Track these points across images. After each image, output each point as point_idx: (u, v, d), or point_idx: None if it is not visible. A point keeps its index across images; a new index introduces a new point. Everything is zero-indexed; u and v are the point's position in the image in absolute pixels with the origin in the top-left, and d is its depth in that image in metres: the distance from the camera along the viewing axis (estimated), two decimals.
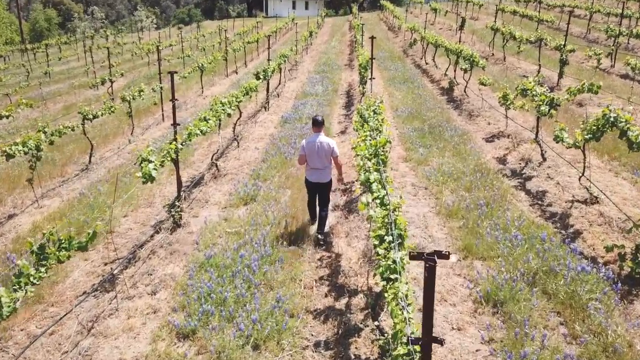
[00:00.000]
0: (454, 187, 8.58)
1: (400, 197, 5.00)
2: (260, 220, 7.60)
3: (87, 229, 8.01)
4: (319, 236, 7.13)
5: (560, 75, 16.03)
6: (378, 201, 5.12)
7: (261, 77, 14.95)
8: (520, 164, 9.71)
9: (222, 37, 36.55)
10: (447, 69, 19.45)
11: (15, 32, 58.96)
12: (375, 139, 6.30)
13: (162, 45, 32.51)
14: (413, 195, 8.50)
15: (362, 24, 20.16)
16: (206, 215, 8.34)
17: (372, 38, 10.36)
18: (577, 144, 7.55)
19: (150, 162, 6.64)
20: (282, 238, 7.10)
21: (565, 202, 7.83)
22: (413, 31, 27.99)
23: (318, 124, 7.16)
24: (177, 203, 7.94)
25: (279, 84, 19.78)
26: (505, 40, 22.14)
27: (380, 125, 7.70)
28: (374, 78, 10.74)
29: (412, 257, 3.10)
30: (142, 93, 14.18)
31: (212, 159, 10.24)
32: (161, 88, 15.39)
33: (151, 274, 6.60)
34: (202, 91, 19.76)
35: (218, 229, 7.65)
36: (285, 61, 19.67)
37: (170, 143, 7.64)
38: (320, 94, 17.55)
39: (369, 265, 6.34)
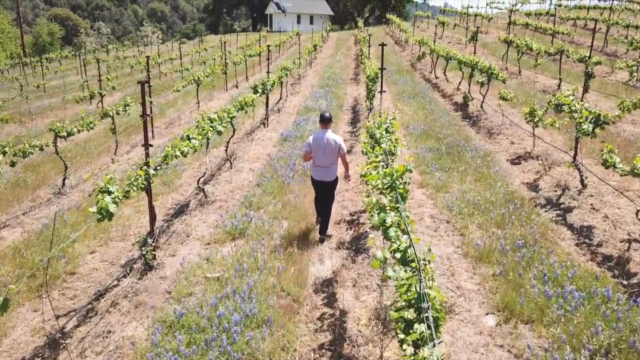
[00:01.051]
0: (481, 220, 7.18)
1: (429, 251, 3.62)
2: (247, 265, 6.22)
3: (42, 270, 6.69)
4: (321, 236, 7.18)
5: (586, 89, 14.65)
6: (398, 255, 3.76)
7: (259, 91, 13.69)
8: (555, 191, 8.31)
9: (224, 50, 35.59)
10: (460, 82, 18.18)
11: (20, 46, 58.51)
12: (391, 165, 4.95)
13: (161, 58, 31.49)
14: (433, 231, 7.11)
15: (369, 35, 18.97)
16: (185, 254, 6.98)
17: (383, 45, 9.07)
18: (636, 170, 6.16)
19: (109, 193, 5.30)
20: (273, 288, 5.72)
21: (621, 242, 6.42)
22: (421, 44, 26.82)
23: (326, 121, 6.97)
24: (149, 241, 6.58)
25: (280, 98, 18.54)
26: (520, 53, 20.87)
27: (394, 146, 6.36)
28: (384, 91, 9.43)
29: None
30: (127, 108, 12.92)
31: (198, 183, 8.91)
32: (151, 102, 14.13)
33: (107, 337, 5.22)
34: (199, 106, 18.54)
35: (197, 273, 6.28)
36: (287, 74, 18.45)
37: (140, 168, 6.32)
38: (325, 109, 16.26)
39: (383, 329, 4.94)
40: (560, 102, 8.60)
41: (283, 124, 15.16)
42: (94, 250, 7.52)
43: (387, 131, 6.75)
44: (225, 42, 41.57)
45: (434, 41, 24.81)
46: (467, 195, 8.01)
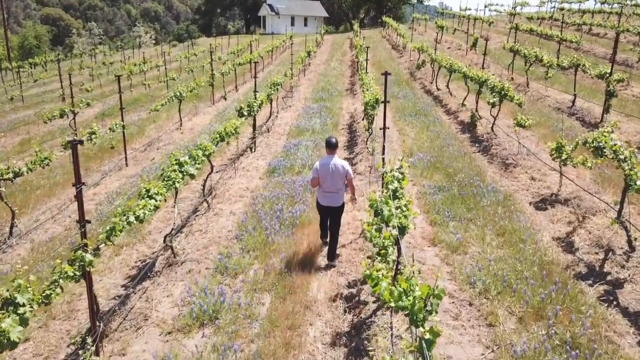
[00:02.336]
0: (513, 304, 5.72)
1: None
2: None
3: None
4: (329, 262, 7.08)
5: (607, 109, 13.27)
6: None
7: (245, 113, 12.19)
8: (597, 253, 6.86)
9: (215, 56, 34.02)
10: (465, 98, 16.75)
11: (4, 48, 56.59)
12: (409, 277, 3.47)
13: (146, 65, 29.89)
14: (453, 319, 5.64)
15: (366, 48, 17.48)
16: (138, 350, 5.48)
17: (386, 75, 7.57)
18: None
19: (15, 308, 3.79)
20: None
21: None
22: (421, 51, 25.38)
23: (332, 146, 6.97)
24: (88, 341, 5.08)
25: (270, 115, 17.03)
26: (528, 64, 19.45)
27: (406, 216, 4.89)
28: (388, 128, 7.94)
29: None
30: (93, 137, 11.39)
31: (164, 240, 7.41)
32: (123, 127, 12.60)
33: None
34: (181, 124, 17.01)
35: None
36: (277, 89, 16.95)
37: (75, 251, 4.81)
38: (318, 129, 14.79)
39: None
40: (600, 143, 7.13)
41: (272, 148, 13.65)
42: (28, 338, 6.01)
43: (395, 194, 5.27)
44: (216, 47, 39.99)
45: (435, 49, 23.37)
46: (491, 262, 6.53)
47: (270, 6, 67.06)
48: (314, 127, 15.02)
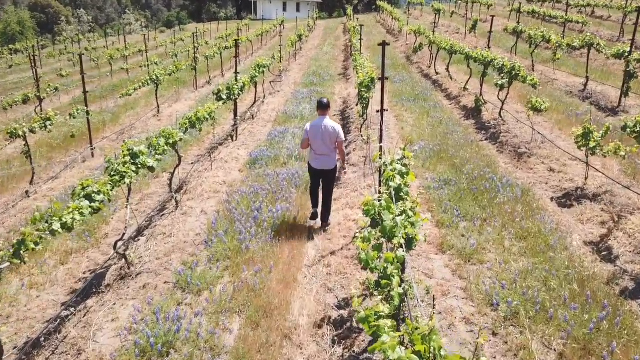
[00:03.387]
0: (552, 335, 4.44)
1: None
2: None
3: None
4: (323, 223, 7.01)
5: (625, 92, 11.98)
6: None
7: (224, 97, 10.81)
8: None
9: (201, 40, 32.41)
10: (467, 81, 15.41)
11: None
12: (424, 337, 2.17)
13: (129, 50, 28.28)
14: (470, 351, 4.36)
15: (361, 26, 16.09)
16: None
17: (384, 45, 6.21)
18: None
19: None
20: None
21: None
22: (417, 34, 23.98)
23: (323, 107, 6.79)
24: None
25: (255, 101, 15.64)
26: (534, 46, 18.12)
27: (413, 224, 3.59)
28: (386, 110, 6.60)
29: None
30: (48, 123, 9.98)
31: (115, 247, 6.06)
32: (87, 113, 11.18)
33: None
34: (159, 110, 15.58)
35: None
36: (263, 72, 15.54)
37: None
38: (307, 115, 13.42)
39: None
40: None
41: (256, 136, 12.29)
42: None
43: (398, 196, 3.95)
44: (204, 32, 38.28)
45: (433, 31, 21.95)
46: (517, 279, 5.24)
47: None
48: (303, 113, 13.65)
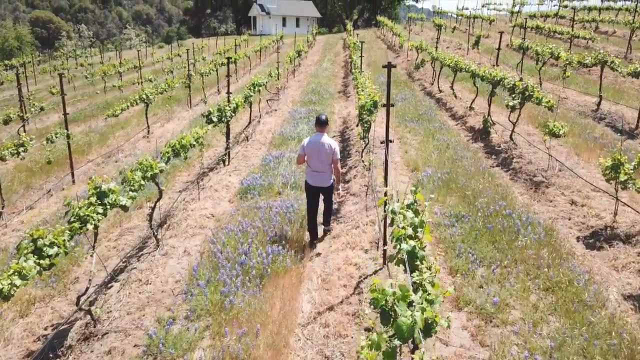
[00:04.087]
0: None
1: None
2: None
3: None
4: (325, 227, 7.12)
5: None
6: None
7: (214, 120, 10.03)
8: None
9: (198, 56, 31.80)
10: (474, 100, 14.65)
11: None
12: None
13: (123, 66, 27.65)
14: None
15: (361, 42, 15.42)
16: None
17: (389, 67, 5.42)
18: None
19: None
20: None
21: None
22: (419, 50, 23.33)
23: (321, 124, 6.73)
24: None
25: (250, 121, 14.87)
26: (541, 63, 17.43)
27: (434, 316, 2.75)
28: (391, 141, 5.79)
29: None
30: (21, 149, 9.18)
31: (77, 302, 5.20)
32: (68, 136, 10.40)
33: None
34: (149, 131, 14.81)
35: None
36: (259, 91, 14.81)
37: None
38: (305, 137, 12.61)
39: None
40: None
41: (250, 160, 11.49)
42: None
43: (413, 265, 3.12)
44: (202, 47, 37.68)
45: (435, 47, 21.30)
46: (552, 350, 4.38)
47: (261, 6, 64.93)
48: (300, 134, 12.87)
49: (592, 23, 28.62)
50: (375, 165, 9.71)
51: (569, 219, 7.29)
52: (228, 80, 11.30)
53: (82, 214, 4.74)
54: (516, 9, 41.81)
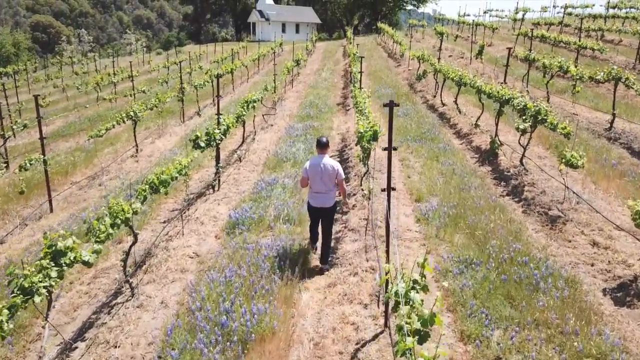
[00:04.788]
0: None
1: None
2: None
3: None
4: (322, 266, 6.92)
5: None
6: None
7: (202, 145, 9.29)
8: None
9: (195, 65, 31.11)
10: (479, 117, 13.91)
11: None
12: None
13: (117, 76, 26.95)
14: None
15: (361, 58, 14.72)
16: None
17: (391, 105, 4.68)
18: None
19: None
20: None
21: None
22: (421, 61, 22.62)
23: (322, 146, 6.85)
24: None
25: (244, 139, 14.13)
26: (549, 76, 16.71)
27: None
28: (394, 188, 5.04)
29: None
30: None
31: None
32: (45, 162, 9.65)
33: None
34: (137, 149, 14.07)
35: None
36: (254, 107, 14.09)
37: None
38: (301, 158, 11.90)
39: None
40: None
41: (241, 185, 10.74)
42: None
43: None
44: (200, 55, 36.97)
45: (438, 58, 20.58)
46: None
47: (260, 12, 64.32)
48: (297, 155, 12.13)
49: (598, 32, 27.90)
50: (376, 193, 8.98)
51: (592, 265, 6.53)
52: (218, 101, 10.55)
53: (26, 285, 3.99)
54: (519, 15, 41.10)
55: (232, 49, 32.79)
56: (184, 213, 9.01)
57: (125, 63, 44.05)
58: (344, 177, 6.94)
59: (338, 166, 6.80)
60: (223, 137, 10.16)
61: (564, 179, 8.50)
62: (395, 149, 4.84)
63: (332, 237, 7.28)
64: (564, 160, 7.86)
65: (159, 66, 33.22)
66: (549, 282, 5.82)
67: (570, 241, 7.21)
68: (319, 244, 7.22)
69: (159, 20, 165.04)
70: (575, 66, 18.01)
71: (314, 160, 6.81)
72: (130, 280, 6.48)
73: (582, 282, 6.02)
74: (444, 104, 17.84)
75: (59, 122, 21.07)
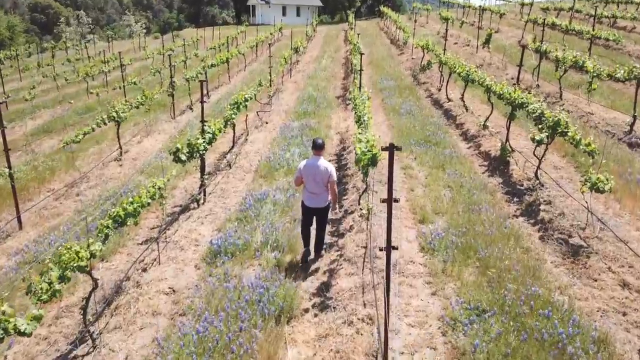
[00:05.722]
0: None
1: None
2: None
3: None
4: (315, 256, 7.28)
5: None
6: None
7: (183, 158, 8.38)
8: None
9: (191, 52, 29.96)
10: (488, 117, 12.92)
11: None
12: None
13: (108, 65, 25.88)
14: None
15: (362, 54, 13.68)
16: None
17: (391, 149, 3.76)
18: None
19: None
20: None
21: None
22: (426, 50, 21.50)
23: (318, 147, 6.98)
24: None
25: (234, 143, 13.18)
26: (562, 70, 15.64)
27: None
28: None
29: None
30: None
31: None
32: (10, 175, 8.75)
33: None
34: (121, 152, 13.14)
35: None
36: (245, 107, 13.11)
37: None
38: (296, 166, 10.96)
39: None
40: None
41: (228, 198, 9.85)
42: None
43: None
44: (198, 40, 35.67)
45: (444, 49, 19.45)
46: None
47: None
48: (290, 162, 11.21)
49: (611, 19, 26.61)
50: (376, 212, 8.09)
51: (624, 315, 5.65)
52: (202, 107, 9.60)
53: None
54: (527, 0, 39.60)
55: (228, 37, 31.55)
56: (164, 234, 8.14)
57: (122, 47, 42.80)
58: (336, 179, 7.08)
59: (332, 168, 6.94)
60: (208, 146, 9.22)
61: (586, 201, 7.57)
62: (397, 200, 3.92)
63: (325, 242, 7.57)
64: (588, 184, 6.92)
65: (154, 53, 32.01)
66: (577, 342, 4.94)
67: (596, 280, 6.32)
68: (312, 244, 7.28)
69: (159, 0, 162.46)
70: (589, 56, 16.93)
71: (310, 161, 6.95)
72: (92, 331, 5.64)
73: (615, 340, 5.15)
74: (449, 99, 16.82)
75: (45, 116, 20.12)
